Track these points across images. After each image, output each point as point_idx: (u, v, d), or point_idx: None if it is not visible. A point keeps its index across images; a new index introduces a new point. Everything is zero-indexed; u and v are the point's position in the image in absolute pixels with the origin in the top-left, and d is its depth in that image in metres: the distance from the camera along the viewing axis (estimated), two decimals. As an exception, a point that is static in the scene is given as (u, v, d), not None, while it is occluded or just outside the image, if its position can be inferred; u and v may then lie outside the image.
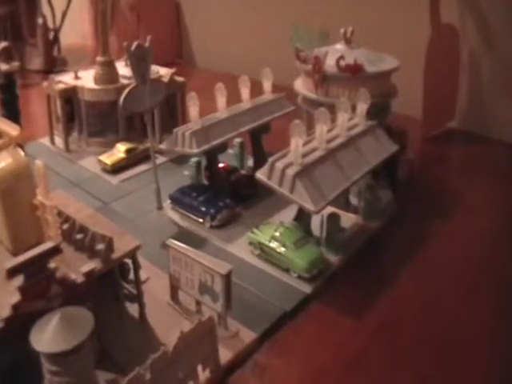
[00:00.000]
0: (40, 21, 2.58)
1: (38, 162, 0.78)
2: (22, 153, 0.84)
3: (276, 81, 1.44)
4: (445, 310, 1.03)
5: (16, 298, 0.72)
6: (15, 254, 0.80)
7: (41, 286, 0.75)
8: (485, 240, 1.24)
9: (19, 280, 0.72)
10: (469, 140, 1.80)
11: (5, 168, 0.80)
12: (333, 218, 1.14)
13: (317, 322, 1.00)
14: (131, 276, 0.96)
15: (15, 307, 0.72)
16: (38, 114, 1.92)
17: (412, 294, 1.07)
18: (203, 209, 1.25)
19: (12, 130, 0.84)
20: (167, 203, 1.33)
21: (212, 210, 1.24)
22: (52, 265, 0.75)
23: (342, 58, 1.32)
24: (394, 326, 0.99)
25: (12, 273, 0.72)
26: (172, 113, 1.70)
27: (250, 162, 1.50)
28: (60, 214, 0.89)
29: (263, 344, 0.94)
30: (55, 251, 0.75)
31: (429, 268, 1.15)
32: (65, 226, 0.88)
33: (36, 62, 2.63)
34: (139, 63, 1.17)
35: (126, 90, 1.18)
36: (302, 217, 1.16)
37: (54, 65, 2.61)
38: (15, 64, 1.55)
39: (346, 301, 1.05)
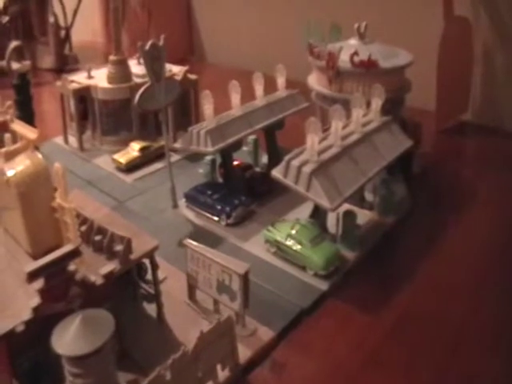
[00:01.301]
0: (51, 19, 2.59)
1: (57, 165, 0.78)
2: (40, 155, 0.84)
3: (289, 76, 1.43)
4: (461, 304, 1.02)
5: (36, 300, 0.73)
6: (34, 256, 0.80)
7: (61, 289, 0.75)
8: (500, 233, 1.24)
9: (39, 283, 0.73)
10: (482, 133, 1.79)
11: (23, 171, 0.80)
12: (349, 215, 1.14)
13: (334, 318, 1.00)
14: (148, 276, 0.96)
15: (36, 310, 0.72)
16: (50, 113, 1.92)
17: (428, 289, 1.07)
18: (218, 207, 1.25)
19: (30, 133, 0.84)
20: (182, 201, 1.34)
21: (227, 208, 1.24)
22: (72, 267, 0.75)
23: (355, 53, 1.32)
24: (411, 321, 0.99)
25: (32, 276, 0.72)
26: (185, 110, 1.70)
27: (264, 159, 1.49)
28: (78, 215, 0.89)
29: (281, 342, 0.94)
30: (75, 254, 0.76)
31: (445, 263, 1.14)
32: (83, 228, 0.88)
33: (47, 61, 2.63)
34: (153, 62, 1.18)
35: (142, 89, 1.18)
36: (318, 214, 1.16)
37: (65, 63, 2.61)
38: (27, 63, 1.56)
39: (362, 297, 1.05)
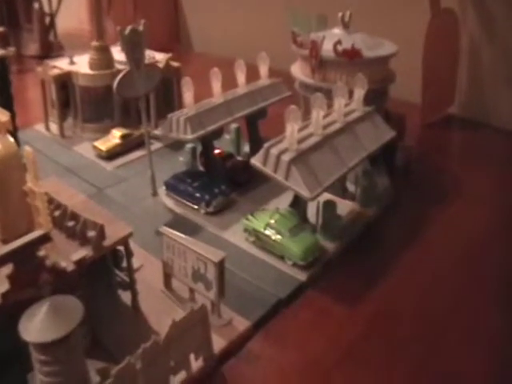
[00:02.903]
0: (36, 6, 2.56)
1: (27, 148, 0.77)
2: (12, 139, 0.82)
3: (274, 65, 1.42)
4: (442, 298, 1.02)
5: (5, 286, 0.71)
6: (5, 241, 0.79)
7: (30, 275, 0.74)
8: (483, 228, 1.23)
9: (8, 268, 0.71)
10: (468, 127, 1.79)
11: (-7, 155, 0.79)
12: (329, 205, 1.13)
13: (312, 309, 0.99)
14: (125, 263, 0.94)
15: (4, 296, 0.71)
16: (33, 100, 1.90)
17: (409, 282, 1.06)
18: (198, 195, 1.24)
19: (2, 116, 0.82)
20: (162, 189, 1.32)
21: (207, 197, 1.23)
22: (42, 253, 0.74)
23: (339, 42, 1.30)
24: (390, 314, 0.98)
25: (1, 261, 0.71)
26: (168, 98, 1.68)
27: (246, 148, 1.48)
28: (52, 200, 0.88)
29: (257, 332, 0.93)
30: (44, 239, 0.74)
31: (426, 256, 1.14)
32: (57, 213, 0.87)
33: (32, 48, 2.61)
34: (133, 48, 1.16)
35: (120, 75, 1.16)
36: (298, 203, 1.14)
37: (50, 50, 2.59)
38: (11, 49, 1.53)
39: (341, 289, 1.04)
